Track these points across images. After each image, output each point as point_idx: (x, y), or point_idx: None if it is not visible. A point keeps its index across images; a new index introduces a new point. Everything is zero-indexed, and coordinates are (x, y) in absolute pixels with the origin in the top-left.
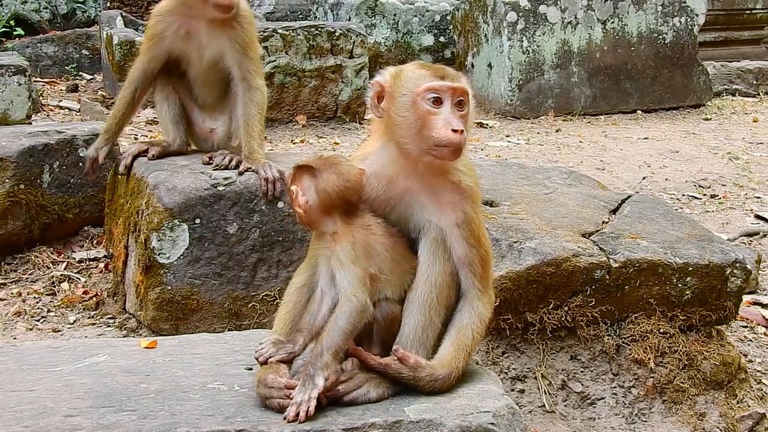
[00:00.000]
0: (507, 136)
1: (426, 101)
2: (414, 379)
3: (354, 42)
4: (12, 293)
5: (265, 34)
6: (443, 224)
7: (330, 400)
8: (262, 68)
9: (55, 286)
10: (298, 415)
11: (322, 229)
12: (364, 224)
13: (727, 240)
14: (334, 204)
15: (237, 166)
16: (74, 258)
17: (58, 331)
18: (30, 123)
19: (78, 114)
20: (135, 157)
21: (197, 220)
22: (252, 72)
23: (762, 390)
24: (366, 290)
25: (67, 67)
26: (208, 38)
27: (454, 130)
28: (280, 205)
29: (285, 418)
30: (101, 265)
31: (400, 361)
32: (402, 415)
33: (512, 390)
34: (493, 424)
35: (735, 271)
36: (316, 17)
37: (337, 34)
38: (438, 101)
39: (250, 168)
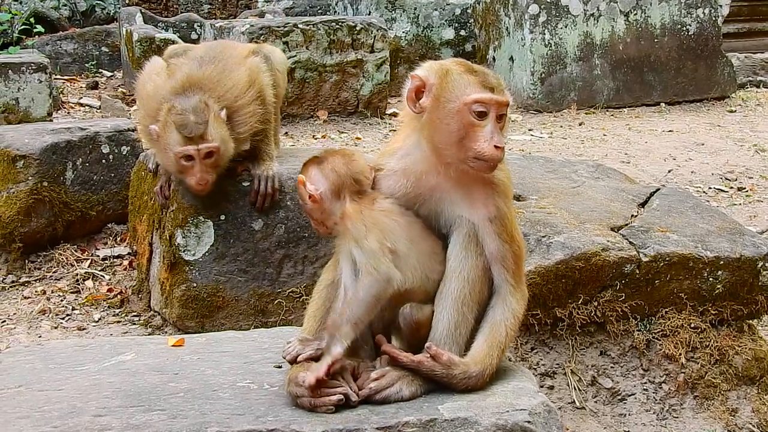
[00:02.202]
0: (530, 130)
1: (472, 112)
2: (447, 376)
3: (375, 36)
4: (36, 291)
5: (286, 29)
6: (475, 219)
7: (362, 399)
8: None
9: (79, 284)
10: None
11: (334, 219)
12: (373, 200)
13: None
14: (343, 183)
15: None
16: (98, 255)
17: (83, 329)
18: (51, 120)
19: (98, 111)
20: None
21: (222, 217)
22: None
23: None
24: (388, 261)
25: (86, 65)
26: None
27: (497, 147)
28: None
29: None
30: (125, 262)
31: (433, 358)
32: (436, 413)
33: (542, 386)
34: (529, 422)
35: (767, 264)
36: (336, 12)
37: (357, 28)
38: (483, 114)
39: (247, 170)
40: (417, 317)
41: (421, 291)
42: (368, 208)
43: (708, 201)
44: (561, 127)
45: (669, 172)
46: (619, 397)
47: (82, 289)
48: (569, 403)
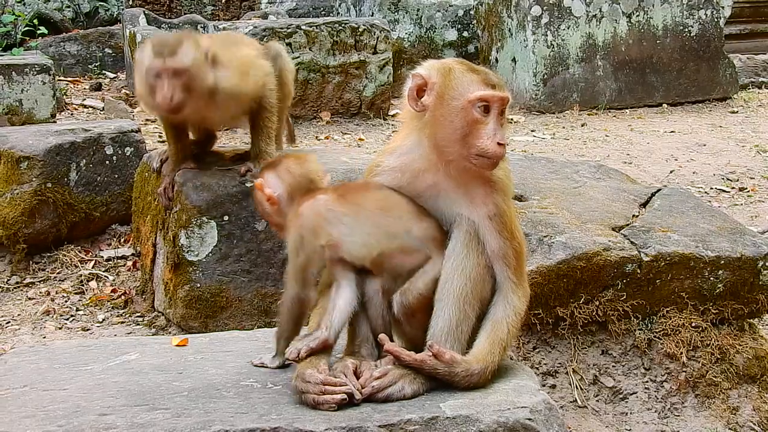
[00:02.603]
0: (532, 131)
1: (476, 109)
2: (449, 374)
3: (378, 38)
4: (41, 292)
5: (289, 30)
6: (475, 217)
7: (365, 397)
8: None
9: (83, 285)
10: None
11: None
12: (313, 198)
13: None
14: (299, 183)
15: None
16: (102, 256)
17: (87, 329)
18: (54, 122)
19: (102, 113)
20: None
21: (226, 217)
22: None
23: None
24: (299, 282)
25: (90, 66)
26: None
27: (500, 144)
28: None
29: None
30: (129, 263)
31: (435, 356)
32: (438, 411)
33: (543, 385)
34: (530, 419)
35: (767, 264)
36: (339, 13)
37: (360, 29)
38: (486, 110)
39: (250, 170)
40: (408, 302)
41: (395, 250)
42: (307, 206)
43: (709, 201)
44: (563, 128)
45: (671, 172)
46: (621, 396)
47: (86, 290)
48: (571, 401)
